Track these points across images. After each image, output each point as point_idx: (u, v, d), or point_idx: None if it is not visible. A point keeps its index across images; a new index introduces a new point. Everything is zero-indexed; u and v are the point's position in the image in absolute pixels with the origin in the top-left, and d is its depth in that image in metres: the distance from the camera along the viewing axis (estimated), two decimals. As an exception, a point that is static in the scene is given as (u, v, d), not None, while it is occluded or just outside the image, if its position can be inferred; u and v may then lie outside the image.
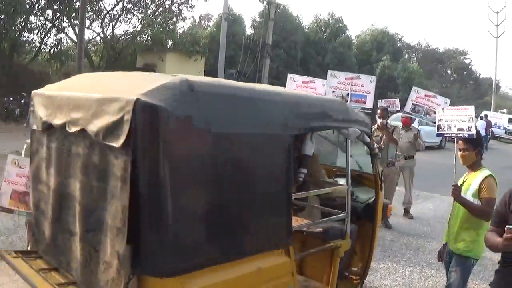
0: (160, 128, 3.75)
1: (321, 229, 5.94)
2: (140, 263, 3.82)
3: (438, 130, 7.03)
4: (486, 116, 40.43)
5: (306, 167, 5.84)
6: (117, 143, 3.77)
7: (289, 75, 12.16)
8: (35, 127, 5.18)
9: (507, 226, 4.05)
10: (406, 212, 12.96)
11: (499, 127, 43.94)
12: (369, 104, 11.30)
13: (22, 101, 29.76)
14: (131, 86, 4.22)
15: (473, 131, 6.39)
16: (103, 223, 4.03)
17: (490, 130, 39.66)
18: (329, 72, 11.65)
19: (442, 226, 12.08)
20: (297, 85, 11.59)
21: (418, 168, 12.94)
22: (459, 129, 6.61)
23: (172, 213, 3.81)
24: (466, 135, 6.44)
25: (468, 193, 6.10)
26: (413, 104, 11.80)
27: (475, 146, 6.26)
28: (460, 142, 6.37)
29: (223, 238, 4.25)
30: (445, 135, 6.94)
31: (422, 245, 10.43)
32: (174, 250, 3.90)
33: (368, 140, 6.16)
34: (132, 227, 3.76)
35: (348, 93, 11.14)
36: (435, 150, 30.49)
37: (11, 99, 30.19)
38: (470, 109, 6.67)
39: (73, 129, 4.33)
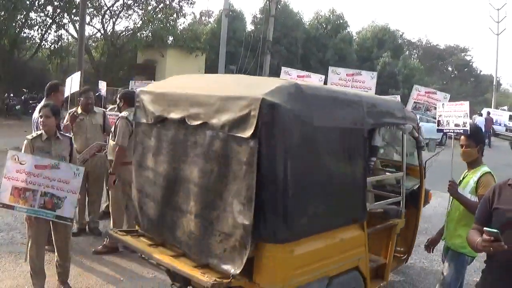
0: (281, 122, 4.69)
1: (382, 210, 6.84)
2: (261, 232, 4.71)
3: (438, 125, 7.06)
4: (488, 113, 40.40)
5: (375, 156, 7.17)
6: (245, 134, 4.69)
7: (283, 69, 12.00)
8: (143, 120, 6.11)
9: (484, 228, 3.95)
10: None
11: (500, 124, 43.92)
12: None
13: (23, 97, 29.76)
14: (248, 87, 5.27)
15: (468, 127, 6.38)
16: (223, 201, 4.93)
17: (492, 127, 39.61)
18: (330, 68, 11.61)
19: (443, 223, 12.13)
20: (291, 78, 11.50)
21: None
22: (456, 125, 6.67)
23: (288, 191, 4.75)
24: (461, 131, 6.49)
25: (465, 190, 6.10)
26: (414, 102, 11.80)
27: (477, 143, 6.21)
28: (462, 138, 6.33)
29: (320, 213, 5.20)
30: (444, 130, 6.96)
31: (423, 242, 10.34)
32: (287, 222, 4.81)
33: (416, 134, 7.05)
34: (254, 203, 4.63)
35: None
36: (436, 147, 30.36)
37: (12, 95, 30.20)
38: (466, 105, 6.69)
39: (194, 122, 5.29)
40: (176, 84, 6.28)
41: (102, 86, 15.35)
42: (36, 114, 8.35)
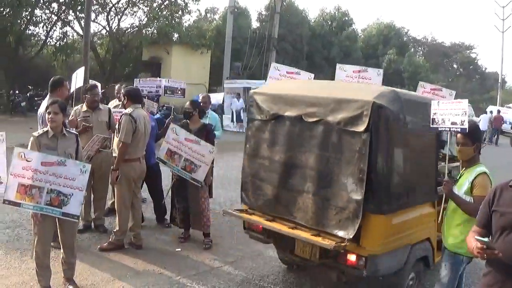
0: (386, 120, 6.10)
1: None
2: (369, 206, 6.08)
3: (432, 123, 6.76)
4: (498, 111, 40.37)
5: (442, 148, 8.03)
6: (359, 129, 6.08)
7: (273, 64, 11.83)
8: (257, 117, 7.39)
9: (475, 237, 3.88)
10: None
11: (506, 122, 43.76)
12: None
13: (28, 94, 29.77)
14: (357, 92, 6.72)
15: (466, 125, 6.16)
16: (338, 181, 6.31)
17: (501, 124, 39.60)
18: (337, 65, 11.51)
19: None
20: (280, 74, 11.36)
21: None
22: (452, 123, 6.43)
23: (390, 174, 6.23)
24: (458, 129, 6.30)
25: (461, 190, 6.04)
26: None
27: (473, 141, 6.15)
28: (459, 136, 6.25)
29: (408, 192, 6.62)
30: (439, 129, 6.71)
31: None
32: (389, 197, 6.29)
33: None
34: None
35: None
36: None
37: (17, 92, 30.22)
38: (464, 103, 6.38)
39: (310, 119, 6.65)
40: (288, 87, 7.81)
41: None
42: (41, 110, 8.34)
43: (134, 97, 8.76)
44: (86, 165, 6.66)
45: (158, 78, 12.58)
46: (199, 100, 10.81)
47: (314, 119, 6.60)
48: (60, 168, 6.43)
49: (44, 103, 8.41)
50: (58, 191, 6.42)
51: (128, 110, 8.51)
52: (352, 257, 6.32)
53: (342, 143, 6.31)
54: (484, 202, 4.36)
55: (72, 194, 6.47)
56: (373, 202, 6.04)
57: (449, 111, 6.54)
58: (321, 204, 6.48)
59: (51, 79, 8.74)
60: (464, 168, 6.27)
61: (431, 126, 6.85)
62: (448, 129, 6.50)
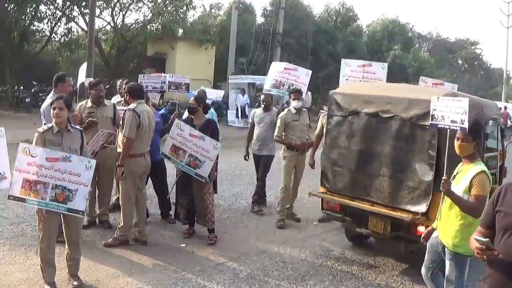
0: None
1: None
2: (436, 186, 6.99)
3: (432, 120, 6.85)
4: (505, 107, 40.23)
5: (487, 139, 8.84)
6: (427, 123, 7.22)
7: (273, 63, 12.03)
8: (336, 113, 8.77)
9: (474, 236, 3.81)
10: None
11: (510, 118, 43.62)
12: None
13: (32, 90, 29.76)
14: (423, 93, 8.10)
15: (466, 125, 6.11)
16: (411, 166, 7.73)
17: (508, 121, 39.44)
18: (343, 60, 11.53)
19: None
20: (278, 71, 11.45)
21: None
22: (452, 121, 6.47)
23: (451, 159, 6.89)
24: (458, 128, 6.27)
25: (459, 188, 5.97)
26: None
27: (474, 138, 6.06)
28: (459, 131, 6.20)
29: None
30: (439, 125, 6.73)
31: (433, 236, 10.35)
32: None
33: (502, 126, 9.66)
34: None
35: (360, 81, 11.04)
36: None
37: (21, 88, 30.21)
38: (465, 101, 6.30)
39: (385, 115, 8.06)
40: (363, 88, 9.39)
41: (87, 81, 15.20)
42: (44, 106, 8.34)
43: (137, 93, 8.75)
44: (91, 160, 6.67)
45: (163, 74, 12.52)
46: (194, 95, 10.86)
47: (389, 115, 8.03)
48: (65, 163, 6.43)
49: (48, 99, 8.41)
50: (63, 186, 6.42)
51: (132, 105, 8.50)
52: (422, 228, 7.35)
53: (414, 135, 7.75)
54: (490, 202, 4.27)
55: (77, 189, 6.47)
56: (439, 182, 6.29)
57: (449, 109, 6.56)
58: (395, 185, 7.89)
59: (55, 75, 8.75)
60: (461, 164, 6.22)
61: (430, 122, 6.88)
62: (448, 127, 6.50)
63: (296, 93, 10.65)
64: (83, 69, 10.87)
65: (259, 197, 11.54)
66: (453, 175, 6.24)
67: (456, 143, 6.12)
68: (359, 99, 8.53)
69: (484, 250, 3.71)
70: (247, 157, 11.77)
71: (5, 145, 6.46)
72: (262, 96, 11.60)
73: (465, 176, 5.98)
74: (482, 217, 4.37)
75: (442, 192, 6.08)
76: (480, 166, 5.97)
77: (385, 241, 8.81)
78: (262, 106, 11.50)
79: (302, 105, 10.65)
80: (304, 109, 10.89)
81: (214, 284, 7.38)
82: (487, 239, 3.67)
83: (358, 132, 8.44)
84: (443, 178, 6.12)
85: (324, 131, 10.05)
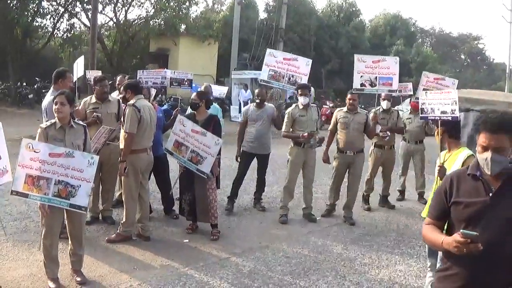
0: None
1: None
2: None
3: (421, 113, 7.60)
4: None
5: None
6: None
7: (268, 51, 11.67)
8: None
9: (462, 231, 3.74)
10: (421, 196, 12.89)
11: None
12: (395, 85, 11.02)
13: (35, 86, 29.80)
14: None
15: (457, 114, 6.69)
16: None
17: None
18: (356, 56, 11.35)
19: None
20: (277, 61, 11.20)
21: (426, 153, 12.92)
22: (442, 112, 7.15)
23: None
24: (450, 118, 6.99)
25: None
26: (423, 89, 11.75)
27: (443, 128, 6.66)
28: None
29: None
30: (429, 117, 7.53)
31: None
32: None
33: None
34: None
35: (376, 77, 10.94)
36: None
37: (24, 84, 30.26)
38: (453, 93, 7.13)
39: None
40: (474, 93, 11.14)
41: (93, 74, 14.92)
42: (45, 102, 8.34)
43: (136, 89, 8.75)
44: (94, 156, 6.67)
45: (164, 70, 12.45)
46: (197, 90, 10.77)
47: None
48: (68, 159, 6.43)
49: (48, 96, 8.41)
50: (66, 182, 6.42)
51: (132, 101, 8.49)
52: None
53: None
54: (439, 192, 4.15)
55: (80, 185, 6.48)
56: None
57: (438, 101, 7.30)
58: None
59: (55, 71, 8.73)
60: (447, 152, 6.55)
61: (420, 115, 7.61)
62: (438, 118, 6.99)
63: (303, 88, 10.44)
64: (79, 63, 10.84)
65: (260, 194, 11.46)
66: (440, 162, 6.52)
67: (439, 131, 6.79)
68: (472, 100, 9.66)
69: (468, 244, 3.57)
70: (239, 158, 11.17)
71: (3, 139, 6.48)
72: (257, 90, 11.22)
73: (454, 163, 6.26)
74: (431, 210, 4.22)
75: (437, 178, 6.42)
76: (468, 151, 6.36)
77: None
78: (258, 101, 10.99)
79: (310, 100, 10.55)
80: (313, 104, 10.80)
81: (217, 280, 7.37)
82: (476, 233, 3.61)
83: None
84: (438, 165, 6.49)
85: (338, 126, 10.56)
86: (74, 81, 9.57)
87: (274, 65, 10.83)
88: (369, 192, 11.96)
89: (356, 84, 10.89)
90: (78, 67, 10.58)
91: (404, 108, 25.50)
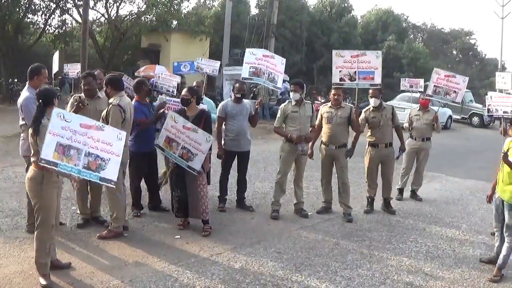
0: None
1: None
2: None
3: (488, 112, 11.54)
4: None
5: None
6: None
7: (248, 50, 11.65)
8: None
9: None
10: (414, 194, 12.83)
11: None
12: (378, 80, 10.95)
13: (26, 83, 29.70)
14: None
15: None
16: None
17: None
18: (334, 51, 11.33)
19: (448, 206, 12.20)
20: (257, 58, 11.19)
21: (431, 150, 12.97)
22: (504, 112, 10.88)
23: None
24: (510, 116, 10.38)
25: None
26: (434, 86, 11.80)
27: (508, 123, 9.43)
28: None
29: None
30: (494, 116, 11.52)
31: (428, 226, 10.39)
32: None
33: None
34: None
35: (355, 71, 10.90)
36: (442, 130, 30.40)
37: (16, 80, 30.18)
38: None
39: None
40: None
41: (71, 68, 14.44)
42: (21, 99, 8.34)
43: (118, 85, 8.75)
44: (122, 132, 6.87)
45: (176, 76, 12.32)
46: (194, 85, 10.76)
47: None
48: (98, 132, 6.52)
49: (24, 92, 8.40)
50: (96, 155, 6.46)
51: (115, 100, 8.48)
52: None
53: None
54: None
55: (110, 159, 6.54)
56: None
57: (500, 103, 11.00)
58: None
59: (29, 67, 8.63)
60: (510, 141, 8.01)
61: (487, 114, 11.15)
62: (501, 116, 10.92)
63: (296, 85, 10.48)
64: (55, 58, 10.81)
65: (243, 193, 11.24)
66: (505, 150, 7.83)
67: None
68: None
69: None
70: (223, 155, 10.86)
71: None
72: (237, 85, 10.98)
73: None
74: None
75: (501, 162, 7.81)
76: None
77: None
78: (238, 96, 10.77)
79: (301, 97, 10.53)
80: (307, 101, 10.79)
81: (209, 275, 7.39)
82: None
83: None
84: (502, 152, 7.77)
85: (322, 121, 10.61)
86: (53, 75, 9.49)
87: (254, 62, 10.78)
88: (371, 194, 11.50)
89: (335, 79, 10.85)
90: (54, 63, 10.51)
91: (396, 103, 25.52)
